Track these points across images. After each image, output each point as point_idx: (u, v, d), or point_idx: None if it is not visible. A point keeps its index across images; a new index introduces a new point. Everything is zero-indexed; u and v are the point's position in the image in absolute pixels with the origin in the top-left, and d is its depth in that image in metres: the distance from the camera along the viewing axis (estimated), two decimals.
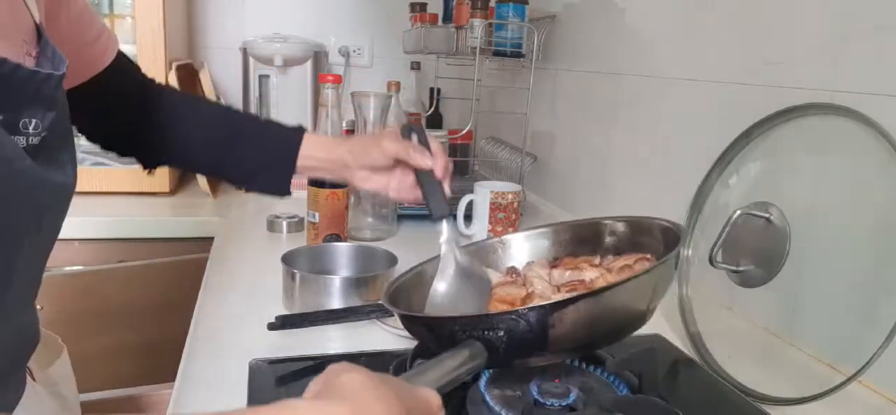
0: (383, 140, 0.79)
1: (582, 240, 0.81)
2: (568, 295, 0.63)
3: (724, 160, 0.85)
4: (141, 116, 0.80)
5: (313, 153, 0.82)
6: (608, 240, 0.79)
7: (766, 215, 0.76)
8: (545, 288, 0.69)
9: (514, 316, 0.55)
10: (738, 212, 0.77)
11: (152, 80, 0.84)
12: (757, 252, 0.77)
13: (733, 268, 0.79)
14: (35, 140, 0.49)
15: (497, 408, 0.61)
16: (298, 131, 0.83)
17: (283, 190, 0.84)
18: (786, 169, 0.80)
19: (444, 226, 0.74)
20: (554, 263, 0.78)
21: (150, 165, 0.84)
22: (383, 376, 0.42)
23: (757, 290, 0.77)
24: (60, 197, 0.55)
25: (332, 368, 0.43)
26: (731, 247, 0.78)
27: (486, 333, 0.55)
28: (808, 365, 0.74)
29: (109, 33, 0.75)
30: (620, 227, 0.78)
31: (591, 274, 0.71)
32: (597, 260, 0.76)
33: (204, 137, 0.83)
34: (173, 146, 0.82)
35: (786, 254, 0.74)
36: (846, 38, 0.73)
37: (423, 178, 0.78)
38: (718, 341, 0.82)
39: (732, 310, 0.86)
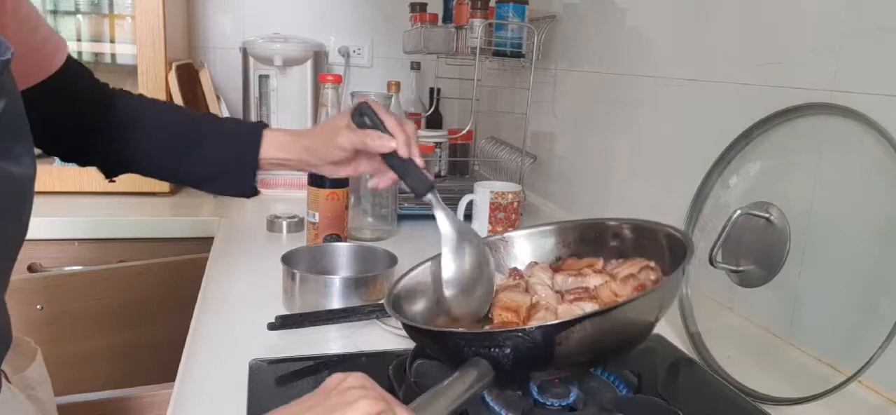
0: (338, 136, 0.77)
1: (586, 240, 0.80)
2: (574, 314, 0.63)
3: (724, 160, 0.85)
4: (96, 122, 0.78)
5: (274, 154, 0.81)
6: (612, 243, 0.78)
7: (766, 215, 0.76)
8: (549, 295, 0.69)
9: (521, 334, 0.55)
10: (738, 212, 0.77)
11: (106, 85, 0.82)
12: (757, 252, 0.77)
13: (733, 268, 0.79)
14: None
15: (497, 408, 0.61)
16: (258, 129, 0.82)
17: (247, 190, 0.83)
18: (786, 169, 0.80)
19: (432, 198, 0.72)
20: (556, 266, 0.78)
21: (111, 172, 0.82)
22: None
23: (757, 290, 0.77)
24: (16, 189, 0.53)
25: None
26: (731, 247, 0.78)
27: (492, 350, 0.55)
28: (808, 365, 0.74)
29: (58, 38, 0.73)
30: (626, 230, 0.77)
31: (595, 281, 0.71)
32: (600, 264, 0.75)
33: (162, 140, 0.81)
34: (132, 151, 0.80)
35: (786, 254, 0.74)
36: (846, 38, 0.73)
37: (391, 159, 0.75)
38: (718, 341, 0.82)
39: (732, 310, 0.86)
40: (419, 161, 0.74)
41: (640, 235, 0.76)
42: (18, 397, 0.66)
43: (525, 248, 0.83)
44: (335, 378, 0.47)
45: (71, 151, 0.80)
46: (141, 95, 0.84)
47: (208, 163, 0.82)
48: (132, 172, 0.82)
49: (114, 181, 0.83)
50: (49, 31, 0.71)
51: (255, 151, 0.80)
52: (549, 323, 0.58)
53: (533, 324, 0.62)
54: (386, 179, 0.78)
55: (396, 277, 0.75)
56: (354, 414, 0.42)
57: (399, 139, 0.73)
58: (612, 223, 0.79)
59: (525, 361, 0.55)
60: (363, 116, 0.76)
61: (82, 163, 0.81)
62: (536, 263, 0.79)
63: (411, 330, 0.64)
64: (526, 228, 0.84)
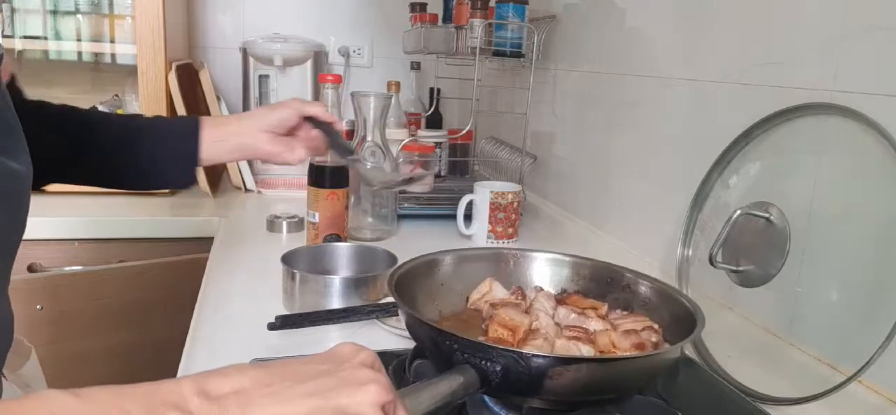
0: (290, 101, 0.90)
1: (596, 280, 0.81)
2: (572, 354, 0.64)
3: (724, 160, 0.85)
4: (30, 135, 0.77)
5: (212, 132, 0.86)
6: (623, 293, 0.79)
7: (766, 215, 0.76)
8: (549, 326, 0.69)
9: (516, 356, 0.55)
10: (738, 212, 0.77)
11: (32, 100, 0.80)
12: (757, 252, 0.77)
13: (733, 268, 0.79)
14: None
15: (497, 409, 0.61)
16: (194, 119, 0.86)
17: (185, 180, 0.87)
18: (786, 169, 0.80)
19: (354, 158, 0.93)
20: (560, 298, 0.78)
21: (40, 183, 0.79)
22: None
23: (757, 290, 0.77)
24: (17, 185, 0.53)
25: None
26: (731, 247, 0.78)
27: (484, 362, 0.55)
28: (808, 365, 0.74)
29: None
30: (639, 284, 0.78)
31: (596, 325, 0.71)
32: (604, 309, 0.75)
33: (99, 146, 0.82)
34: (65, 160, 0.80)
35: (786, 254, 0.73)
36: (846, 38, 0.73)
37: (324, 128, 0.90)
38: (718, 341, 0.82)
39: (732, 310, 0.86)
40: (338, 125, 0.92)
41: (651, 295, 0.76)
42: (18, 395, 0.66)
43: (535, 269, 0.83)
44: (347, 348, 0.46)
45: None
46: (71, 105, 0.84)
47: (149, 160, 0.84)
48: (68, 182, 0.83)
49: (43, 191, 0.81)
50: None
51: (194, 137, 0.84)
52: (548, 355, 0.58)
53: (529, 350, 0.62)
54: (312, 138, 0.91)
55: (401, 262, 0.77)
56: (367, 397, 0.41)
57: (330, 116, 0.90)
58: (628, 275, 0.79)
59: (513, 383, 0.55)
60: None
61: None
62: (542, 289, 0.79)
63: (412, 319, 0.64)
64: (543, 251, 0.84)
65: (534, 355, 0.55)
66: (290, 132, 0.90)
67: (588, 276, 0.81)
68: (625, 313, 0.75)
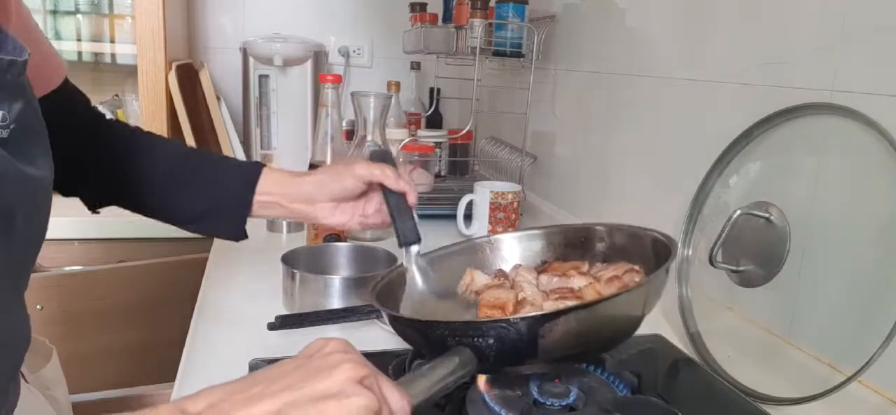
0: (355, 166, 0.77)
1: (572, 244, 0.81)
2: (559, 307, 0.63)
3: (724, 160, 0.85)
4: (87, 149, 0.75)
5: (272, 188, 0.78)
6: (598, 247, 0.79)
7: (766, 215, 0.76)
8: (535, 294, 0.69)
9: (504, 325, 0.55)
10: (738, 212, 0.77)
11: (103, 115, 0.79)
12: (757, 252, 0.77)
13: (733, 268, 0.79)
14: (3, 133, 0.47)
15: (496, 408, 0.61)
16: (256, 167, 0.78)
17: (237, 232, 0.79)
18: (786, 169, 0.80)
19: (412, 251, 0.75)
20: (541, 268, 0.78)
21: (95, 204, 0.78)
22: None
23: (757, 290, 0.77)
24: (35, 192, 0.53)
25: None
26: (731, 247, 0.78)
27: (475, 339, 0.55)
28: (808, 365, 0.74)
29: (60, 59, 0.71)
30: (612, 235, 0.78)
31: (580, 282, 0.71)
32: (585, 267, 0.75)
33: (156, 175, 0.78)
34: (123, 183, 0.77)
35: (786, 254, 0.74)
36: (846, 38, 0.73)
37: (394, 202, 0.77)
38: (718, 341, 0.82)
39: (732, 310, 0.86)
40: (415, 218, 0.77)
41: (626, 240, 0.76)
42: (37, 397, 0.66)
43: (511, 250, 0.83)
44: (316, 343, 0.47)
45: (57, 175, 0.78)
46: (137, 128, 0.81)
47: (202, 200, 0.78)
48: (119, 204, 0.78)
49: (98, 212, 0.79)
50: (51, 49, 0.70)
51: (251, 188, 0.77)
52: (532, 315, 0.58)
53: (516, 316, 0.62)
54: (377, 217, 0.80)
55: (383, 273, 0.76)
56: (340, 376, 0.42)
57: (412, 188, 0.76)
58: (599, 228, 0.79)
59: (509, 352, 0.55)
60: (383, 157, 0.81)
61: (66, 192, 0.76)
62: (521, 265, 0.79)
63: (396, 321, 0.64)
64: (510, 232, 0.85)
65: (520, 319, 0.55)
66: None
67: (563, 242, 0.82)
68: (606, 264, 0.75)
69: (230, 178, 0.79)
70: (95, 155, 0.75)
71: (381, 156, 0.81)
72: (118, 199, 0.78)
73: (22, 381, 0.63)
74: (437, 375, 0.52)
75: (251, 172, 0.78)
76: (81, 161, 0.75)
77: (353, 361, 0.43)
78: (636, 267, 0.70)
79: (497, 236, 0.84)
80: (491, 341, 0.55)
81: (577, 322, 0.56)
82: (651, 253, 0.71)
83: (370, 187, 0.79)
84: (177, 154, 0.80)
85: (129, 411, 0.40)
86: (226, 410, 0.40)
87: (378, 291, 0.70)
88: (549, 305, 0.66)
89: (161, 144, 0.81)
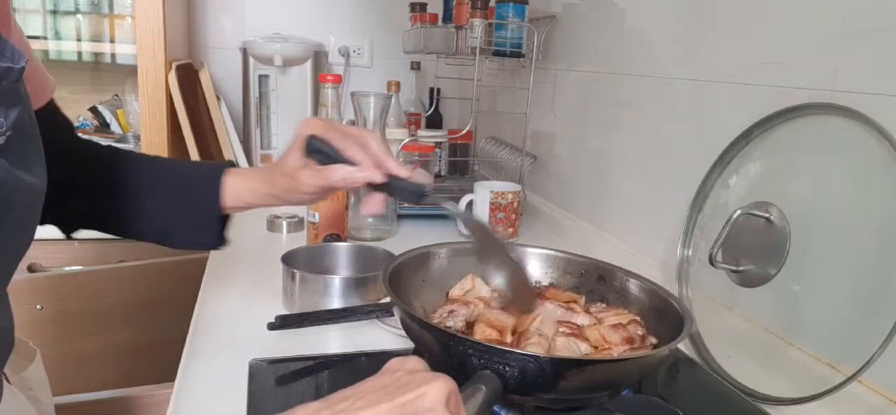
0: (300, 178, 0.68)
1: (572, 274, 0.84)
2: (591, 356, 0.65)
3: (724, 160, 0.85)
4: (63, 173, 0.67)
5: (239, 179, 0.73)
6: (596, 284, 0.82)
7: (766, 215, 0.76)
8: (548, 327, 0.70)
9: (532, 360, 0.55)
10: (738, 212, 0.77)
11: (82, 140, 0.77)
12: (757, 252, 0.77)
13: (733, 268, 0.79)
14: (0, 140, 0.47)
15: (497, 408, 0.61)
16: (218, 168, 0.73)
17: (213, 239, 0.74)
18: (786, 169, 0.79)
19: (449, 205, 0.72)
20: (539, 293, 0.79)
21: (70, 228, 0.75)
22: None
23: (757, 290, 0.77)
24: (28, 198, 0.53)
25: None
26: (731, 247, 0.78)
27: (501, 366, 0.55)
28: (808, 365, 0.74)
29: (49, 76, 0.69)
30: (630, 283, 0.79)
31: (582, 319, 0.72)
32: (582, 302, 0.77)
33: (123, 191, 0.73)
34: (96, 204, 0.73)
35: (786, 254, 0.73)
36: (846, 38, 0.73)
37: (382, 188, 0.67)
38: (718, 341, 0.82)
39: (732, 310, 0.86)
40: (401, 171, 0.65)
41: (631, 287, 0.79)
42: (20, 398, 0.66)
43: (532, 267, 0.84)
44: (394, 362, 0.47)
45: None
46: (110, 146, 0.77)
47: (168, 212, 0.74)
48: (92, 227, 0.75)
49: (71, 238, 0.77)
50: (39, 64, 0.68)
51: (216, 190, 0.72)
52: (564, 357, 0.61)
53: (533, 350, 0.62)
54: (375, 202, 0.69)
55: (395, 258, 0.77)
56: (434, 394, 0.42)
57: (366, 165, 0.65)
58: (605, 265, 0.82)
59: (527, 385, 0.56)
60: (317, 152, 0.66)
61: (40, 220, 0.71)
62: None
63: (416, 322, 0.64)
64: (536, 247, 0.87)
65: (552, 359, 0.57)
66: None
67: (562, 269, 0.84)
68: (603, 306, 0.78)
69: (195, 184, 0.74)
70: (71, 179, 0.71)
71: (313, 150, 0.67)
72: (90, 221, 0.75)
73: (4, 382, 0.63)
74: (476, 403, 0.52)
75: (214, 172, 0.74)
76: (55, 184, 0.68)
77: (441, 378, 0.44)
78: (638, 319, 0.73)
79: (525, 248, 0.86)
80: (516, 371, 0.55)
81: (602, 371, 0.58)
82: (649, 306, 0.75)
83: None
84: (142, 168, 0.76)
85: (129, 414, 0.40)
86: None
87: (389, 275, 0.71)
88: (562, 343, 0.67)
89: (127, 159, 0.77)
